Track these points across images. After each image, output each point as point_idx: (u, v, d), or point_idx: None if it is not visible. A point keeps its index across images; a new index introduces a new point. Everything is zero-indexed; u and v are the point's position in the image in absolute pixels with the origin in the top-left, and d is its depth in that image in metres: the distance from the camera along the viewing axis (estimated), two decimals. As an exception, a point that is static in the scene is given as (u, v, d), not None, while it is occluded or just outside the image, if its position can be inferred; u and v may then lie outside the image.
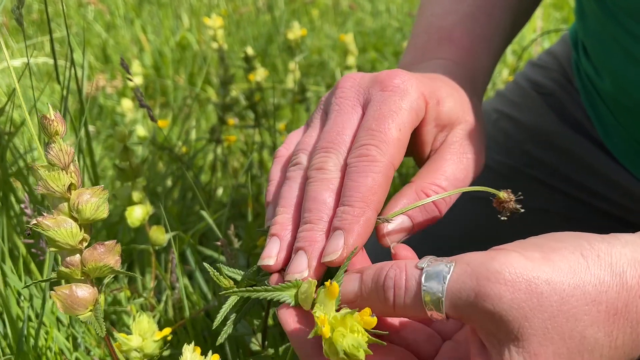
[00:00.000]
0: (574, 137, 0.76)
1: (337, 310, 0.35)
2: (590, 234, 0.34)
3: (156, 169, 1.20)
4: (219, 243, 0.58)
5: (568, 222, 0.77)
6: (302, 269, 0.38)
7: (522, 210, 0.36)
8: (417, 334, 0.39)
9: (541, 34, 1.30)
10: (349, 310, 0.33)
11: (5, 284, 0.60)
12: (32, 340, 0.63)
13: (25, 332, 0.61)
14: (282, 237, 0.40)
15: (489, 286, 0.31)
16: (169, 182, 1.16)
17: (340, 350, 0.31)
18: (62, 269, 0.39)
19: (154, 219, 0.82)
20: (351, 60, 1.18)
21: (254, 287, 0.38)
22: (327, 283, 0.34)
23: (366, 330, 0.32)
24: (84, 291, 0.39)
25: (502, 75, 1.40)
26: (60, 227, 0.37)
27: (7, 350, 0.60)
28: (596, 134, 0.74)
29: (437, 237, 0.79)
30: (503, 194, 0.36)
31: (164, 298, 0.71)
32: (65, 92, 0.70)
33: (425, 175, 0.45)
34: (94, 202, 0.38)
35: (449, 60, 0.55)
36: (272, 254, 0.40)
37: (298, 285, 0.37)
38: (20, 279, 0.62)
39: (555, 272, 0.32)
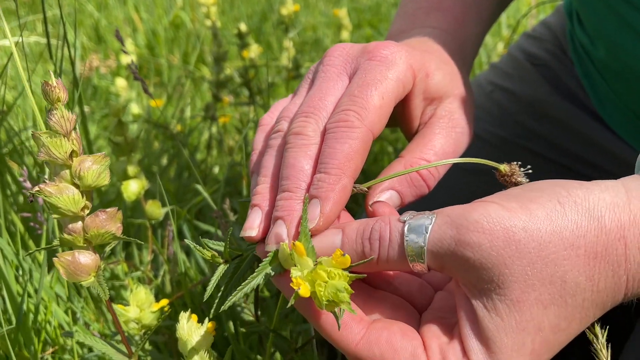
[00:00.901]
0: (568, 107, 0.76)
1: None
2: (570, 180, 0.35)
3: (151, 147, 1.20)
4: (215, 215, 0.59)
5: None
6: (281, 238, 0.38)
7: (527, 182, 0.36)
8: (409, 285, 0.40)
9: (536, 5, 1.29)
10: (320, 259, 0.33)
11: (4, 258, 0.60)
12: (31, 316, 0.64)
13: (25, 307, 0.62)
14: (263, 208, 0.40)
15: (468, 234, 0.32)
16: (164, 161, 1.16)
17: (324, 303, 0.31)
18: (65, 235, 0.39)
19: (150, 196, 0.83)
20: (345, 35, 1.17)
21: (243, 277, 0.38)
22: (292, 243, 0.34)
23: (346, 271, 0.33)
24: (86, 257, 0.40)
25: (497, 49, 1.40)
26: (62, 194, 0.38)
27: (7, 325, 0.60)
28: (590, 103, 0.74)
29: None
30: (504, 167, 0.36)
31: (161, 273, 0.71)
32: (58, 67, 0.69)
33: (414, 150, 0.45)
34: (95, 169, 0.38)
35: (439, 29, 0.54)
36: (254, 225, 0.40)
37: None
38: (18, 253, 0.62)
39: (532, 219, 0.32)
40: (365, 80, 0.41)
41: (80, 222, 0.39)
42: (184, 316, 0.43)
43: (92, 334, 0.66)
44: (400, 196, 0.44)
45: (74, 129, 0.38)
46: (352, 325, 0.35)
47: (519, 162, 0.40)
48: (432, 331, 0.36)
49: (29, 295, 0.64)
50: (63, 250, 0.41)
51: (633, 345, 0.58)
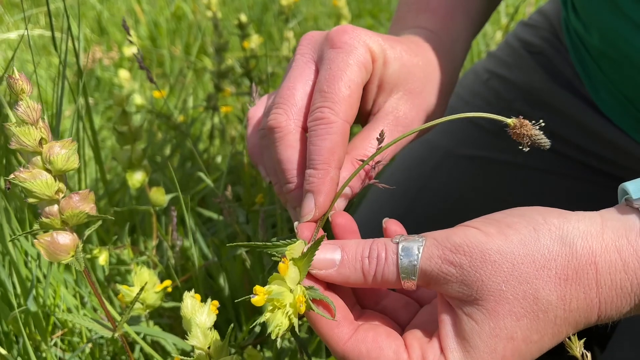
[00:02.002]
0: (563, 94, 0.77)
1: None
2: (552, 209, 0.38)
3: (155, 138, 1.22)
4: (218, 200, 0.60)
5: (561, 180, 0.79)
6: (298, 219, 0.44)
7: (548, 143, 0.36)
8: (395, 302, 0.44)
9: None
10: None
11: (14, 244, 0.62)
12: (40, 300, 0.66)
13: (34, 292, 0.64)
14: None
15: (452, 255, 0.36)
16: (167, 151, 1.18)
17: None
18: (43, 219, 0.42)
19: (154, 185, 0.84)
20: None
21: (258, 243, 0.41)
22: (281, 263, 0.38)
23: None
24: (64, 238, 0.42)
25: (496, 37, 1.41)
26: (36, 179, 0.40)
27: (17, 308, 0.62)
28: (584, 90, 0.75)
29: (428, 205, 0.82)
30: (513, 121, 0.35)
31: (165, 258, 0.73)
32: (63, 59, 0.71)
33: (359, 146, 0.48)
34: (64, 154, 0.40)
35: (426, 29, 0.56)
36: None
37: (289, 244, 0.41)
38: (26, 239, 0.65)
39: (507, 243, 0.36)
40: (330, 72, 0.44)
41: (56, 205, 0.42)
42: (187, 295, 0.45)
43: (100, 317, 0.68)
44: (352, 189, 0.48)
45: (42, 117, 0.40)
46: (343, 325, 0.39)
47: (541, 120, 0.38)
48: (414, 334, 0.39)
49: (38, 280, 0.66)
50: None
51: (617, 343, 0.60)
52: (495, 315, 0.35)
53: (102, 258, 0.58)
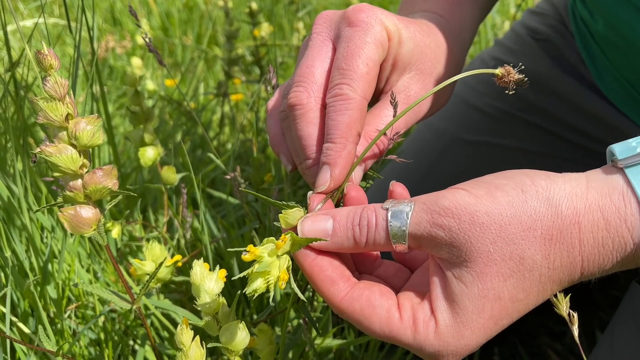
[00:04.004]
0: (569, 80, 0.78)
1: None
2: (537, 171, 0.39)
3: (166, 125, 1.24)
4: (228, 176, 0.62)
5: (565, 164, 0.80)
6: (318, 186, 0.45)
7: (527, 81, 0.39)
8: (387, 270, 0.46)
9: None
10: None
11: (31, 219, 0.65)
12: (55, 274, 0.68)
13: (50, 266, 0.66)
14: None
15: (440, 219, 0.37)
16: (178, 137, 1.20)
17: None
18: (67, 192, 0.43)
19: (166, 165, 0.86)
20: (354, 14, 1.19)
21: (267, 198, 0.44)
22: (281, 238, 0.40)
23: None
24: (87, 211, 0.44)
25: (504, 27, 1.41)
26: (61, 154, 0.41)
27: (34, 281, 0.65)
28: (589, 76, 0.76)
29: (434, 189, 0.83)
30: (500, 70, 0.38)
31: (176, 236, 0.75)
32: (77, 46, 0.73)
33: (371, 121, 0.49)
34: (90, 130, 0.42)
35: (434, 12, 0.57)
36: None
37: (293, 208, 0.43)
38: (43, 213, 0.67)
39: (494, 205, 0.37)
40: (348, 50, 0.45)
41: (80, 180, 0.43)
42: (197, 263, 0.47)
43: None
44: (366, 166, 0.49)
45: (68, 93, 0.42)
46: (339, 283, 0.40)
47: (520, 64, 0.42)
48: (406, 295, 0.41)
49: (55, 256, 0.68)
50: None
51: (628, 304, 0.61)
52: (483, 277, 0.37)
53: (115, 231, 0.60)
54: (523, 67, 0.38)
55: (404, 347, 0.39)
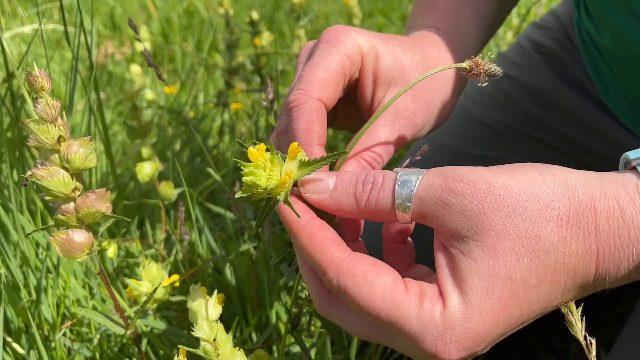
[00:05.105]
0: (573, 95, 0.77)
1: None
2: (555, 165, 0.37)
3: (165, 133, 1.23)
4: (226, 196, 0.61)
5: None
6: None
7: (500, 71, 0.38)
8: (389, 256, 0.43)
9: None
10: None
11: (26, 235, 0.63)
12: (50, 290, 0.67)
13: (44, 282, 0.65)
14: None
15: (454, 183, 0.35)
16: (177, 146, 1.19)
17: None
18: (59, 216, 0.42)
19: (164, 179, 0.85)
20: (356, 23, 1.18)
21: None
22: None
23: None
24: (80, 236, 0.42)
25: (506, 38, 1.40)
26: (53, 177, 0.40)
27: (28, 297, 0.63)
28: (595, 91, 0.75)
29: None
30: (467, 63, 0.37)
31: (174, 252, 0.74)
32: (75, 54, 0.72)
33: (361, 141, 0.48)
34: (82, 152, 0.41)
35: (433, 28, 0.56)
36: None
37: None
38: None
39: (512, 180, 0.35)
40: (310, 61, 0.46)
41: (72, 203, 0.42)
42: (194, 288, 0.45)
43: (109, 308, 0.69)
44: None
45: (60, 115, 0.40)
46: (338, 247, 0.37)
47: (489, 53, 0.42)
48: (410, 279, 0.38)
49: (49, 271, 0.67)
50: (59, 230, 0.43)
51: (634, 325, 0.60)
52: (495, 252, 0.34)
53: (111, 250, 0.59)
54: (493, 56, 0.38)
55: (400, 332, 0.35)
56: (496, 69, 0.38)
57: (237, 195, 0.36)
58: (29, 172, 0.40)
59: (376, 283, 0.35)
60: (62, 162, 0.41)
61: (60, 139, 0.40)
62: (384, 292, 0.35)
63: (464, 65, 0.37)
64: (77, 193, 0.42)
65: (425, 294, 0.35)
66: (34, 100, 0.39)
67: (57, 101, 0.40)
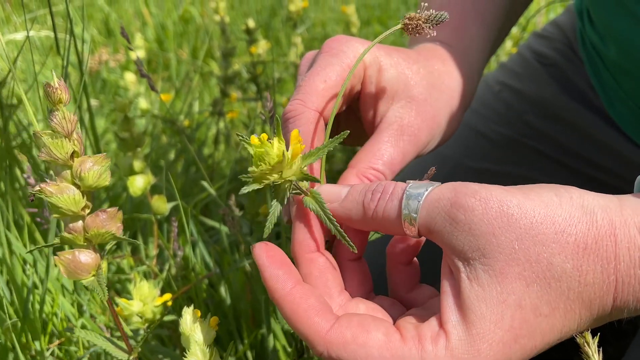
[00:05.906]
0: (576, 107, 0.76)
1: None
2: (571, 186, 0.35)
3: (159, 142, 1.21)
4: (222, 212, 0.59)
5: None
6: None
7: (445, 14, 0.36)
8: (381, 301, 0.40)
9: (546, 5, 1.28)
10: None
11: (11, 251, 0.61)
12: (37, 307, 0.64)
13: (31, 298, 0.62)
14: None
15: (465, 198, 0.33)
16: (171, 156, 1.17)
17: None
18: (65, 234, 0.39)
19: (157, 191, 0.83)
20: (354, 31, 1.17)
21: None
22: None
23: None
24: (86, 256, 0.40)
25: (506, 47, 1.39)
26: (63, 194, 0.38)
27: (14, 316, 0.61)
28: (599, 103, 0.74)
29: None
30: (401, 22, 0.36)
31: (166, 267, 0.72)
32: (65, 63, 0.70)
33: (364, 159, 0.46)
34: (96, 170, 0.38)
35: (438, 40, 0.55)
36: None
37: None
38: (25, 247, 0.63)
39: (528, 200, 0.33)
40: (310, 71, 0.45)
41: (80, 222, 0.40)
42: (187, 311, 0.43)
43: (98, 326, 0.67)
44: None
45: (76, 129, 0.38)
46: (322, 314, 0.35)
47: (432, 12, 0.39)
48: (405, 319, 0.36)
49: (36, 287, 0.65)
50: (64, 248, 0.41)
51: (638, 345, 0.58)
52: (503, 278, 0.32)
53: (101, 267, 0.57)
54: (426, 4, 0.36)
55: None
56: (438, 13, 0.36)
57: (245, 180, 0.35)
58: (37, 187, 0.38)
59: (370, 344, 0.33)
60: (73, 179, 0.39)
61: (74, 154, 0.38)
62: (381, 350, 0.33)
63: (398, 26, 0.35)
64: (87, 211, 0.40)
65: (423, 336, 0.33)
66: (50, 112, 0.37)
67: (74, 114, 0.37)
